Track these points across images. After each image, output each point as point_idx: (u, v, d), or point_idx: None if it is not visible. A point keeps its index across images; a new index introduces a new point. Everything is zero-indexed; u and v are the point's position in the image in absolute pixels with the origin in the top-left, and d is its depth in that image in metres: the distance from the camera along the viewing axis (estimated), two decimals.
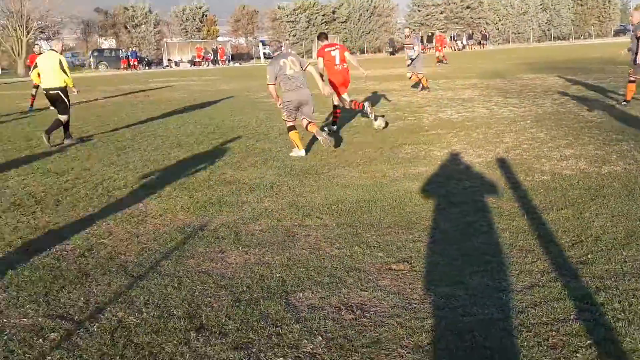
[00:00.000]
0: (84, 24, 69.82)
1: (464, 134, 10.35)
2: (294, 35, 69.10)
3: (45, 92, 11.62)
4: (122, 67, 57.29)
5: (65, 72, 11.34)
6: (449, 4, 74.35)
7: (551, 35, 77.61)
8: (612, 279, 4.12)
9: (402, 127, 11.66)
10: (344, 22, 71.41)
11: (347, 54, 11.42)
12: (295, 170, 8.21)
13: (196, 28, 70.03)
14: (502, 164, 7.93)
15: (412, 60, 18.35)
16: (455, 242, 5.10)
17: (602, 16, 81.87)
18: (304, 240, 5.33)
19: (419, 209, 6.09)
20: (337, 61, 11.20)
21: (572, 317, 3.64)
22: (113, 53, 61.39)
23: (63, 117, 11.51)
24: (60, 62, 11.33)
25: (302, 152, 9.33)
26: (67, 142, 11.44)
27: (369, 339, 3.52)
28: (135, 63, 57.88)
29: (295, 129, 9.43)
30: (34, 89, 18.63)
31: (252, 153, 9.61)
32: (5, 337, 3.68)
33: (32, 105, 18.85)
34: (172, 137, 11.66)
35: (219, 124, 13.35)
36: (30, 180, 8.27)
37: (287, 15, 69.74)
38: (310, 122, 9.41)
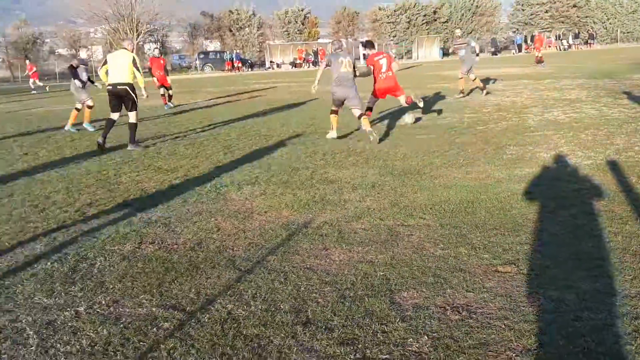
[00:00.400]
0: (191, 27, 72.20)
1: (572, 135, 10.03)
2: (394, 36, 68.91)
3: (111, 87, 11.32)
4: (226, 69, 58.93)
5: (138, 70, 11.30)
6: (555, 2, 72.08)
7: None
8: None
9: (506, 127, 11.43)
10: (445, 22, 70.63)
11: (393, 63, 12.09)
12: (397, 170, 8.20)
13: (298, 30, 70.99)
14: (613, 166, 7.63)
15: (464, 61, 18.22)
16: (564, 245, 4.96)
17: None
18: (407, 240, 5.32)
19: (525, 211, 5.95)
20: (384, 69, 11.73)
21: None
22: (218, 55, 63.35)
23: (133, 115, 11.42)
24: (134, 60, 11.26)
25: (334, 134, 11.34)
26: (130, 147, 11.29)
27: (476, 340, 3.49)
28: (239, 65, 59.40)
29: (336, 115, 11.39)
30: (161, 89, 19.49)
31: (354, 152, 9.67)
32: (122, 326, 3.88)
33: (166, 103, 19.74)
34: (275, 137, 11.89)
35: (320, 123, 13.50)
36: (143, 176, 8.64)
37: (388, 17, 69.67)
38: (362, 114, 11.01)
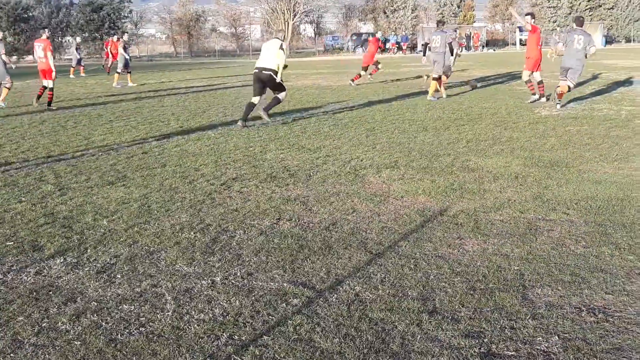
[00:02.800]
0: (346, 9, 72.84)
1: None
2: (554, 22, 65.80)
3: (257, 71, 11.83)
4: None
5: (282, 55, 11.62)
6: None
7: None
8: None
9: None
10: (610, 8, 66.40)
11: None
12: (543, 161, 7.88)
13: (453, 13, 69.58)
14: None
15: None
16: None
17: None
18: (547, 235, 5.12)
19: None
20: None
21: None
22: (370, 37, 63.49)
23: (282, 95, 11.98)
24: (282, 47, 11.63)
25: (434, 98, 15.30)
26: (261, 113, 11.78)
27: (610, 344, 3.31)
28: (396, 47, 59.56)
29: (437, 81, 15.77)
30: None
31: (499, 141, 9.39)
32: (253, 298, 4.02)
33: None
34: (419, 122, 11.78)
35: (466, 109, 13.23)
36: (287, 154, 8.87)
37: (549, 1, 66.59)
38: (432, 77, 15.94)
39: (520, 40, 57.85)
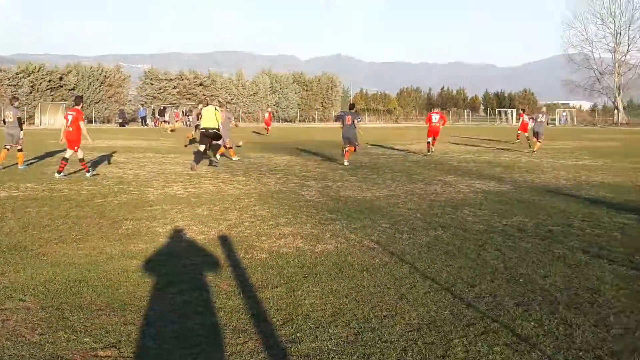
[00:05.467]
0: None
1: (189, 210, 10.30)
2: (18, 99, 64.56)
3: None
4: None
5: None
6: (182, 79, 75.43)
7: (279, 117, 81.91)
8: (318, 357, 4.25)
9: (125, 201, 11.27)
10: (72, 89, 68.45)
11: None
12: (1, 246, 7.46)
13: None
14: (224, 241, 7.98)
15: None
16: (170, 323, 4.93)
17: (325, 102, 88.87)
18: (1, 327, 4.78)
19: (135, 289, 5.83)
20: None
21: None
22: None
23: None
24: None
25: None
26: None
27: None
28: None
29: None
30: None
31: None
32: None
33: None
34: None
35: None
36: None
37: (9, 79, 65.27)
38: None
39: None
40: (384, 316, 5.14)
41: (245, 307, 5.33)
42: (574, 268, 6.69)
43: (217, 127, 17.68)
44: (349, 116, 19.02)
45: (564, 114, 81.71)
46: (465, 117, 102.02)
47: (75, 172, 15.58)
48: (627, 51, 76.51)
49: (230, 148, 20.88)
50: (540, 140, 26.07)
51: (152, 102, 72.67)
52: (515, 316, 5.15)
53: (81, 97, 15.98)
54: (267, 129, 43.05)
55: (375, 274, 6.44)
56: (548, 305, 5.45)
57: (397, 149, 27.60)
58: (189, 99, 74.77)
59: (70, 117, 15.16)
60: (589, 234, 8.43)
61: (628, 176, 15.85)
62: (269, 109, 49.01)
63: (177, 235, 8.37)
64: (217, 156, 19.66)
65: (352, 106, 19.80)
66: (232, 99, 78.62)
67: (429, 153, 23.92)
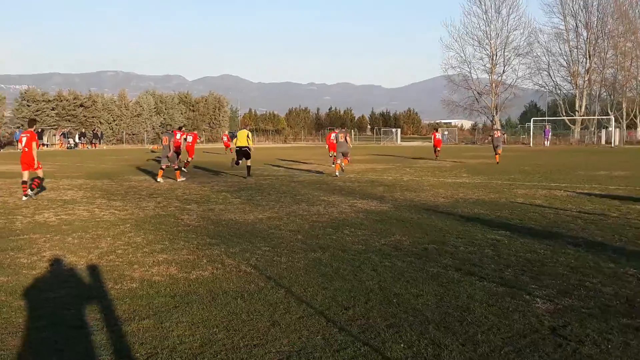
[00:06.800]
0: None
1: (59, 239, 9.77)
2: None
3: None
4: None
5: None
6: (62, 100, 72.57)
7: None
8: None
9: None
10: None
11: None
12: None
13: None
14: (93, 271, 7.59)
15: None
16: None
17: (213, 122, 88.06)
18: None
19: None
20: None
21: None
22: None
23: None
24: None
25: None
26: None
27: None
28: None
29: None
30: None
31: None
32: None
33: None
34: None
35: None
36: None
37: None
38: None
39: None
40: (254, 345, 4.97)
41: (108, 343, 5.02)
42: (446, 286, 6.77)
43: (248, 145, 21.77)
44: (342, 134, 23.52)
45: (446, 132, 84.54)
46: (353, 136, 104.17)
47: None
48: (503, 72, 79.75)
49: (178, 169, 21.55)
50: (499, 152, 30.50)
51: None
52: (386, 338, 5.11)
53: (34, 120, 17.14)
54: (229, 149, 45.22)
55: (249, 300, 6.28)
56: (419, 325, 5.46)
57: (284, 168, 27.63)
58: (69, 120, 71.99)
59: (24, 139, 15.91)
60: (462, 251, 8.61)
61: (502, 193, 16.47)
62: (227, 132, 60.69)
63: (42, 266, 7.89)
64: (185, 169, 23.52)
65: (343, 124, 22.95)
66: (114, 120, 76.37)
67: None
